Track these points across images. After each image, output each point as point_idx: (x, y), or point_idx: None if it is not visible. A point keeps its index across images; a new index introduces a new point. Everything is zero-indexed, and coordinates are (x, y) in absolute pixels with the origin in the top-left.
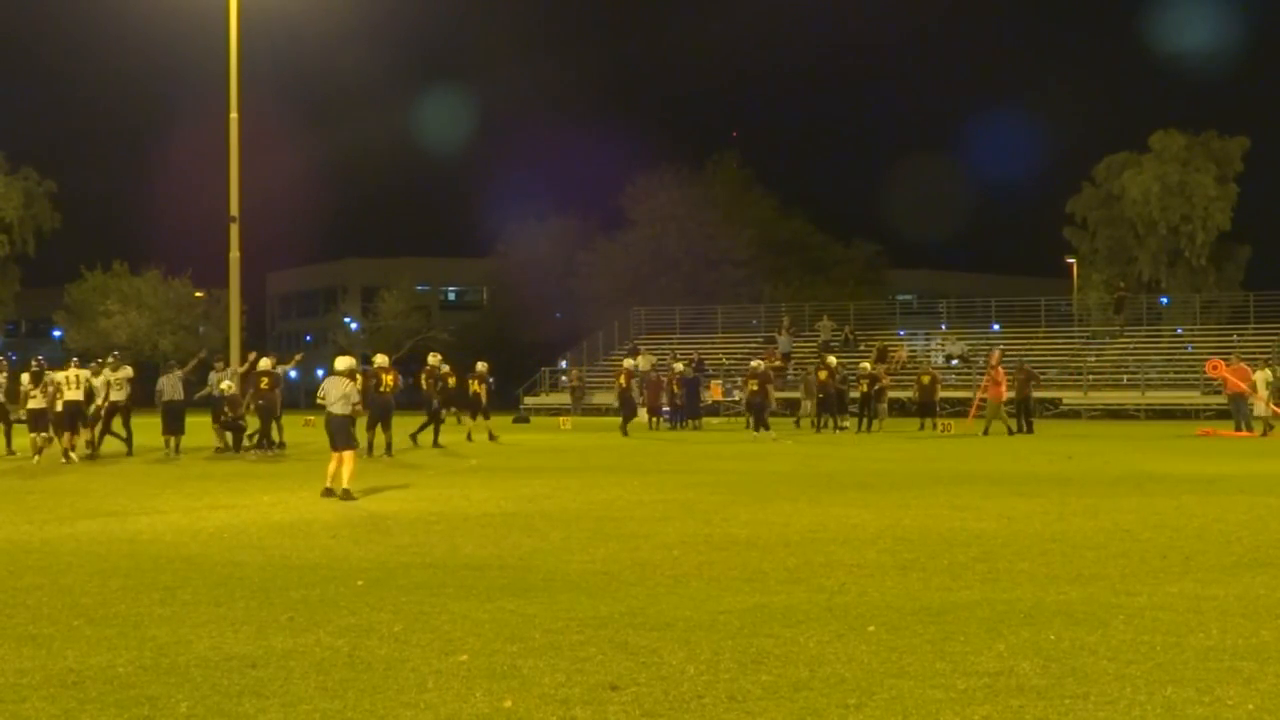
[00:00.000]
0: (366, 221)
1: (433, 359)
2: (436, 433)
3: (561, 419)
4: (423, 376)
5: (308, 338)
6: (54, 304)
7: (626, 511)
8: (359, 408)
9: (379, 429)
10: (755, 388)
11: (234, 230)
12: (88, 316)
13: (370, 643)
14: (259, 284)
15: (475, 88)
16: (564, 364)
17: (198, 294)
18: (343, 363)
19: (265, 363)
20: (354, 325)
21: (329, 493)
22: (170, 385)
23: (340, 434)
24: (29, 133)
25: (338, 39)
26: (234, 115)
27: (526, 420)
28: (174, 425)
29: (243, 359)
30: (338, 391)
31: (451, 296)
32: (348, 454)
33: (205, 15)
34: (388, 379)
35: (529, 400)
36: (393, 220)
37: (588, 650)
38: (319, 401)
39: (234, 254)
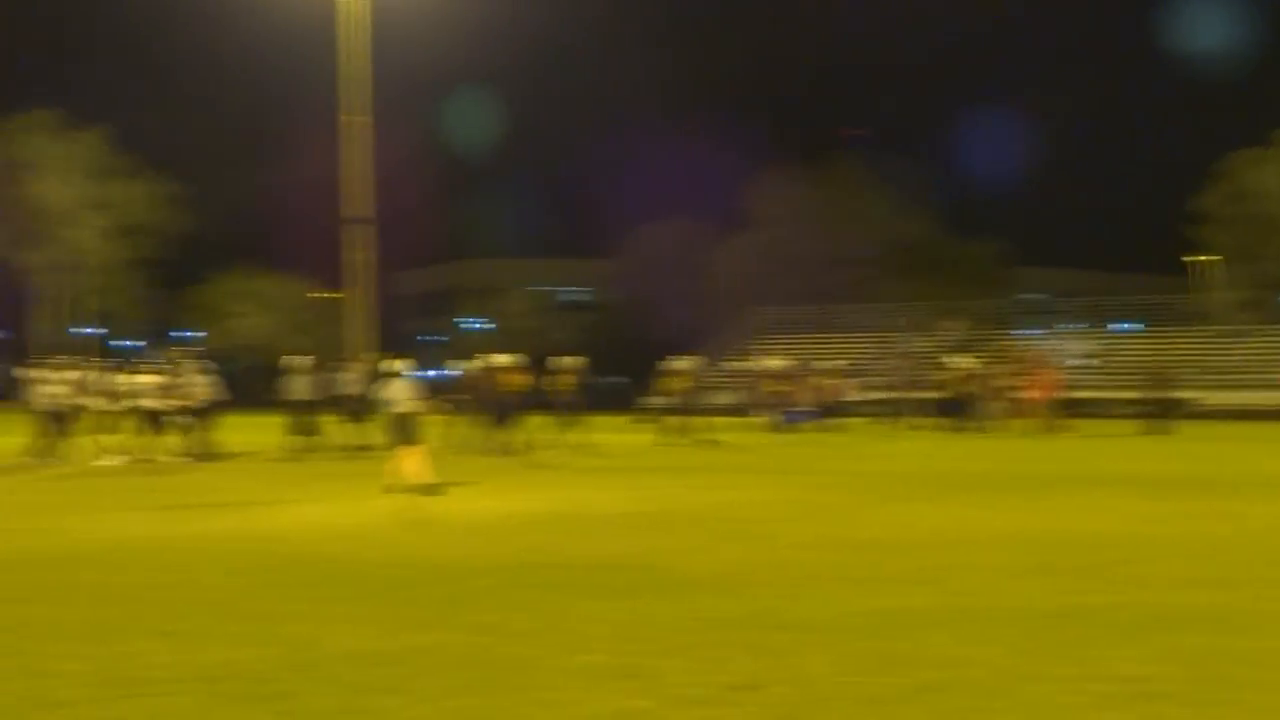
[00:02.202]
0: (488, 222)
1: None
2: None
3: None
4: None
5: (430, 338)
6: (185, 305)
7: (753, 512)
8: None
9: (503, 428)
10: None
11: (358, 232)
12: (216, 318)
13: (501, 641)
14: (383, 285)
15: (596, 86)
16: (670, 365)
17: (324, 295)
18: (403, 364)
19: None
20: (475, 326)
21: (393, 490)
22: (298, 385)
23: (406, 431)
24: (158, 137)
25: (458, 39)
26: (356, 118)
27: (647, 421)
28: (303, 425)
29: (362, 360)
30: (404, 391)
31: (572, 297)
32: (417, 449)
33: (333, 18)
34: (512, 379)
35: (646, 401)
36: (514, 221)
37: (718, 650)
38: (382, 402)
39: (359, 255)
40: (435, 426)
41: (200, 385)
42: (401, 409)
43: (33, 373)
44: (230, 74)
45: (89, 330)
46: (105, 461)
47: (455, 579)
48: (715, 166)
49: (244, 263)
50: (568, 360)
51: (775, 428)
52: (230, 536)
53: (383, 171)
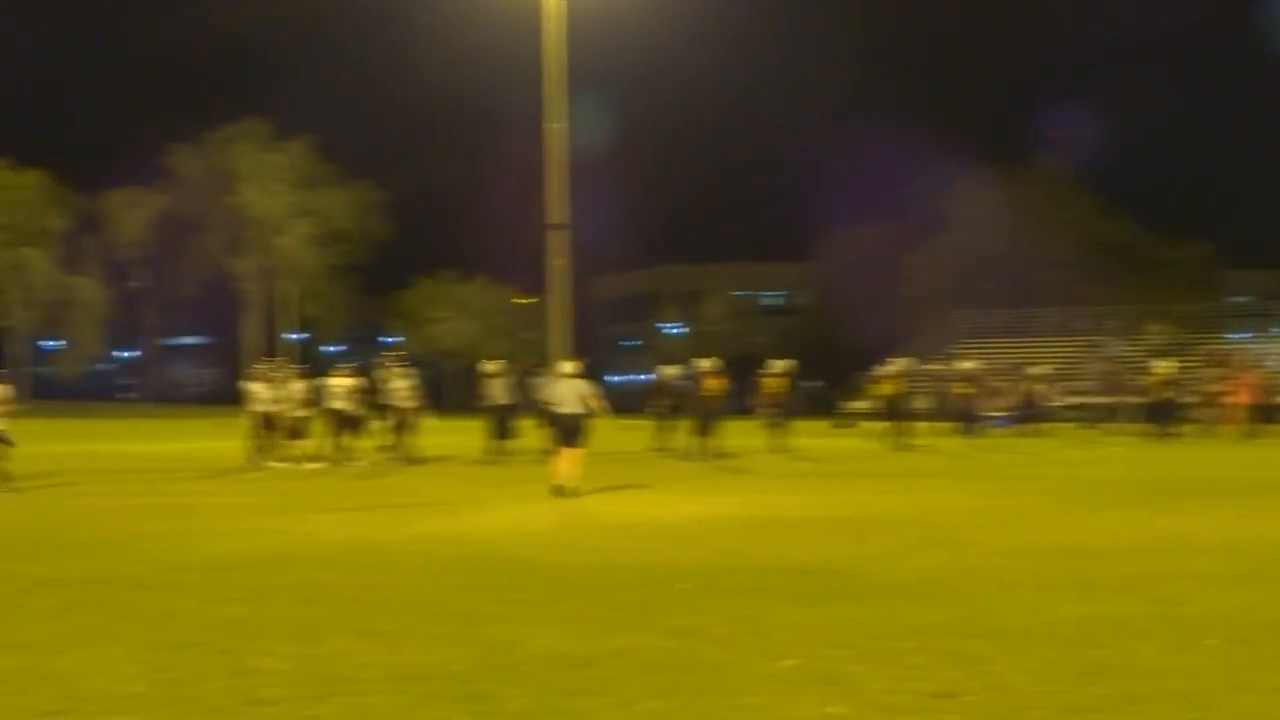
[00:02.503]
0: (686, 227)
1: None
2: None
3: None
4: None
5: (630, 343)
6: (387, 311)
7: (952, 518)
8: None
9: (703, 432)
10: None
11: (558, 238)
12: (419, 323)
13: (698, 645)
14: (583, 290)
15: (794, 90)
16: (877, 369)
17: (524, 300)
18: (570, 366)
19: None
20: (674, 330)
21: (559, 490)
22: (498, 389)
23: (573, 433)
24: (361, 145)
25: (655, 44)
26: (556, 125)
27: (848, 425)
28: (502, 429)
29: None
30: (571, 393)
31: (771, 301)
32: (578, 452)
33: (533, 23)
34: (712, 383)
35: (847, 405)
36: (711, 226)
37: (916, 658)
38: (549, 404)
39: (558, 261)
40: (637, 431)
41: (402, 389)
42: (566, 410)
43: (248, 378)
44: (431, 83)
45: (295, 335)
46: (308, 464)
47: (652, 583)
48: (913, 169)
49: (445, 269)
50: (779, 364)
51: (971, 432)
52: (430, 538)
53: (582, 177)
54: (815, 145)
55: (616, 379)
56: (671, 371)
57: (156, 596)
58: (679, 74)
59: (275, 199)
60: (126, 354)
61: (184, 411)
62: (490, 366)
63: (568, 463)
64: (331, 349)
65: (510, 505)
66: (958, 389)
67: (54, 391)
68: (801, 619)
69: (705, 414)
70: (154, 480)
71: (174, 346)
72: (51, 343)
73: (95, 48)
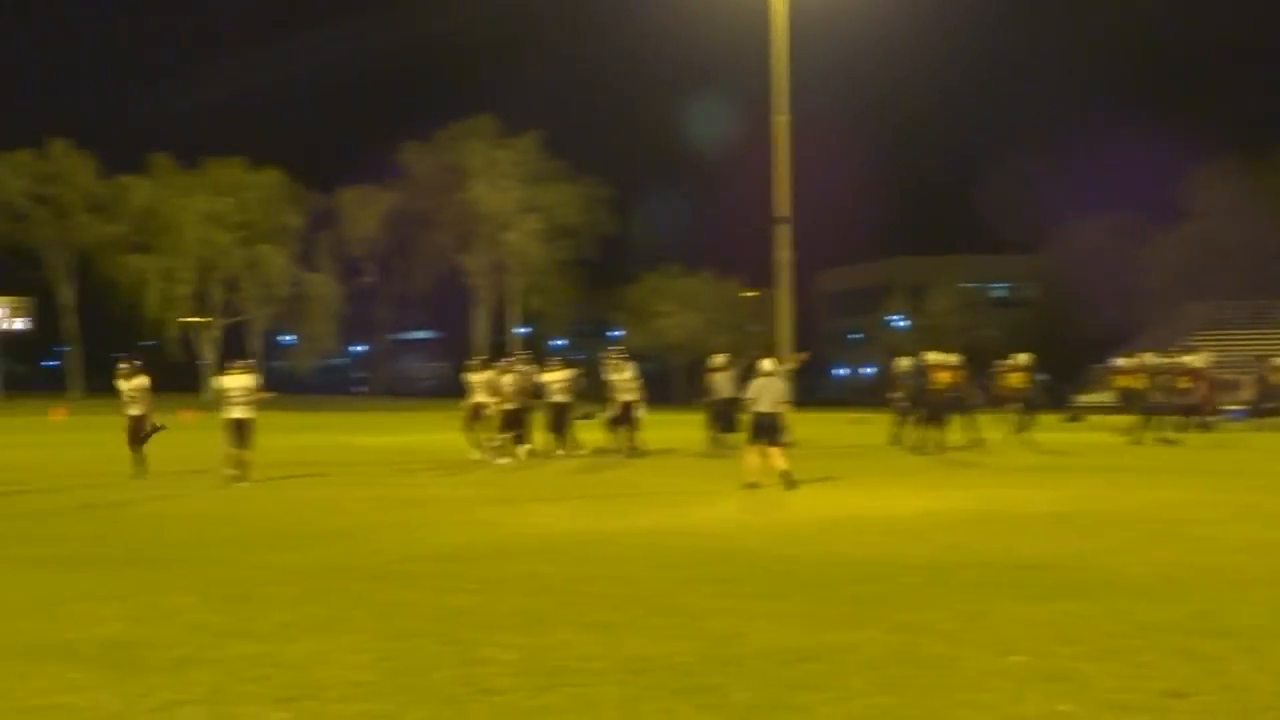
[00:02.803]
0: (914, 219)
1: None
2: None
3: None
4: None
5: (855, 336)
6: (613, 305)
7: (1184, 513)
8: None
9: (933, 425)
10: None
11: (784, 231)
12: (644, 316)
13: (924, 640)
14: (808, 283)
15: (1026, 78)
16: (1117, 361)
17: (749, 293)
18: (770, 364)
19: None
20: (900, 323)
21: (754, 486)
22: (723, 383)
23: (771, 431)
24: (587, 140)
25: (888, 34)
26: (781, 118)
27: (1079, 418)
28: (725, 422)
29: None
30: (770, 392)
31: (1001, 293)
32: (777, 449)
33: (759, 15)
34: (943, 376)
35: (1079, 398)
36: (939, 218)
37: (1148, 655)
38: (748, 400)
39: (783, 254)
40: (866, 424)
41: (624, 383)
42: (763, 408)
43: (465, 370)
44: (656, 76)
45: (521, 330)
46: (528, 456)
47: (876, 577)
48: (1147, 158)
49: (670, 262)
50: (1021, 358)
51: (1206, 426)
52: (652, 530)
53: (807, 170)
54: (1044, 135)
55: (842, 372)
56: (905, 364)
57: (387, 586)
58: (907, 63)
59: (504, 195)
60: (359, 348)
61: (413, 405)
62: (717, 360)
63: (772, 460)
64: (557, 343)
65: (733, 498)
66: (1183, 383)
67: (289, 385)
68: (1029, 614)
69: (935, 407)
70: (383, 472)
71: (404, 341)
72: (287, 337)
73: (329, 48)
